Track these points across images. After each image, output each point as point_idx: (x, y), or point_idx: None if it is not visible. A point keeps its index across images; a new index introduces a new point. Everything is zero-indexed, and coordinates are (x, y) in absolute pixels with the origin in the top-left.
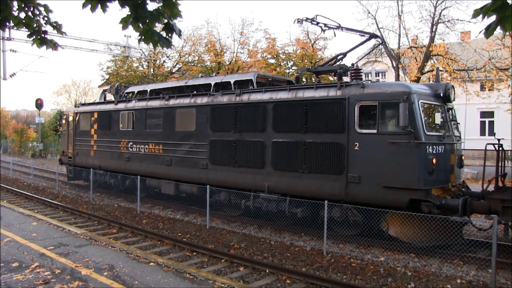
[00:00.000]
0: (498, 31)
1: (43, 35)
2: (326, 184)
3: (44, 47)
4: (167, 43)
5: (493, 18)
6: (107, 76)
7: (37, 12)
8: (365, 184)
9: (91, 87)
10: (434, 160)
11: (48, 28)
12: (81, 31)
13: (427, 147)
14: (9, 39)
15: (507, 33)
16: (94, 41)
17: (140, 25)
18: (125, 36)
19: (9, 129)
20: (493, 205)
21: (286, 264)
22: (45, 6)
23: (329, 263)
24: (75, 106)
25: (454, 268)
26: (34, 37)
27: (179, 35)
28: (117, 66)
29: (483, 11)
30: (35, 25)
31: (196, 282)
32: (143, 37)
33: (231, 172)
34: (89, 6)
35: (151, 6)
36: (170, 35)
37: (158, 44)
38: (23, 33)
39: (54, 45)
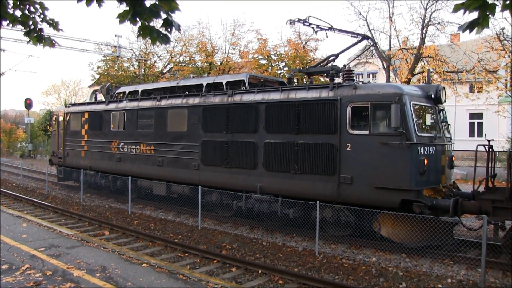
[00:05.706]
0: (488, 33)
1: (39, 33)
2: (318, 185)
3: (41, 45)
4: (166, 40)
5: (474, 15)
6: (97, 76)
7: (33, 10)
8: (357, 185)
9: (81, 87)
10: (425, 161)
11: (44, 25)
12: (71, 31)
13: (419, 148)
14: None
15: (495, 36)
16: (85, 41)
17: (138, 19)
18: (115, 36)
19: None
20: (483, 205)
21: (278, 264)
22: (41, 4)
23: (321, 264)
24: (66, 106)
25: (445, 267)
26: (31, 34)
27: (178, 29)
28: (108, 66)
29: (464, 6)
30: (30, 23)
31: (189, 283)
32: (141, 33)
33: (223, 173)
34: (84, 0)
35: (149, 1)
36: (169, 30)
37: (157, 41)
38: (12, 32)
39: (51, 42)
